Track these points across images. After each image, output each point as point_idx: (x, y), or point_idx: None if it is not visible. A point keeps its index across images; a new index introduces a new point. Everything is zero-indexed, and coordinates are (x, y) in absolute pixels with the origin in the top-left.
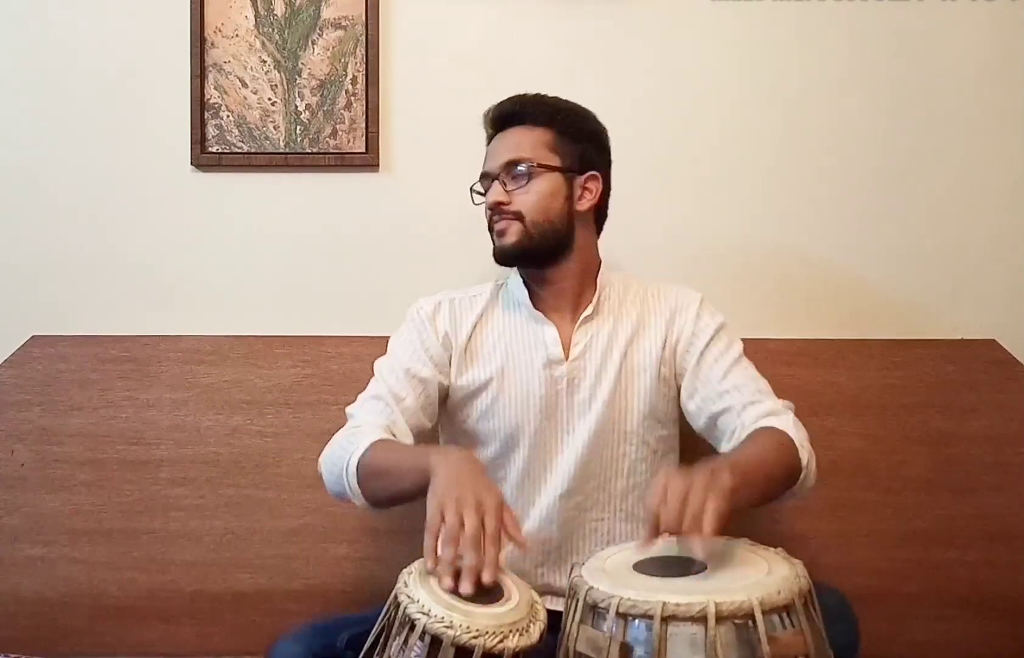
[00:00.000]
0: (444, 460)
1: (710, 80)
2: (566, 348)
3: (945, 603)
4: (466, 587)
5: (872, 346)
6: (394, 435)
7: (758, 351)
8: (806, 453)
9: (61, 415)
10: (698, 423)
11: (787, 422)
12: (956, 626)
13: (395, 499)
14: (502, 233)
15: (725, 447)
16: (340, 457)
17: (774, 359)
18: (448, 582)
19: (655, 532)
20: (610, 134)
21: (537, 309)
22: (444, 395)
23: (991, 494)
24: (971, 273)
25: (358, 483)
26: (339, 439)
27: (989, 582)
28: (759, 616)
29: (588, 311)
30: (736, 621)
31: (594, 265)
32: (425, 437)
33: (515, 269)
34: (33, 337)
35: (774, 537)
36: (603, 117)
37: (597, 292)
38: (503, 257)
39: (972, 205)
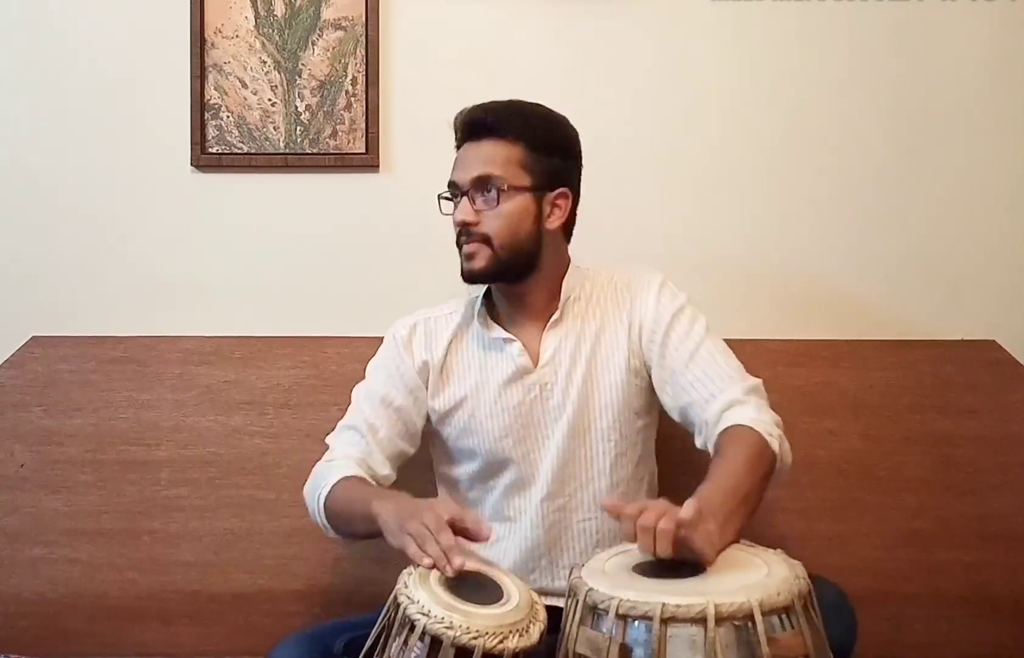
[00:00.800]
0: (384, 503)
1: (710, 80)
2: (535, 357)
3: (945, 603)
4: (458, 562)
5: (872, 346)
6: (370, 467)
7: (758, 351)
8: (776, 440)
9: (61, 415)
10: (673, 415)
11: (750, 413)
12: (956, 626)
13: (356, 538)
14: (470, 256)
15: (697, 441)
16: (313, 491)
17: (774, 359)
18: (452, 568)
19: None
20: (610, 135)
21: (504, 323)
22: (427, 419)
23: (991, 494)
24: (971, 273)
25: (327, 519)
26: (316, 472)
27: (989, 582)
28: (758, 617)
29: (555, 316)
30: (735, 622)
31: (562, 272)
32: (410, 462)
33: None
34: (33, 337)
35: (774, 537)
36: (603, 117)
37: (562, 297)
38: (470, 278)
39: (972, 206)
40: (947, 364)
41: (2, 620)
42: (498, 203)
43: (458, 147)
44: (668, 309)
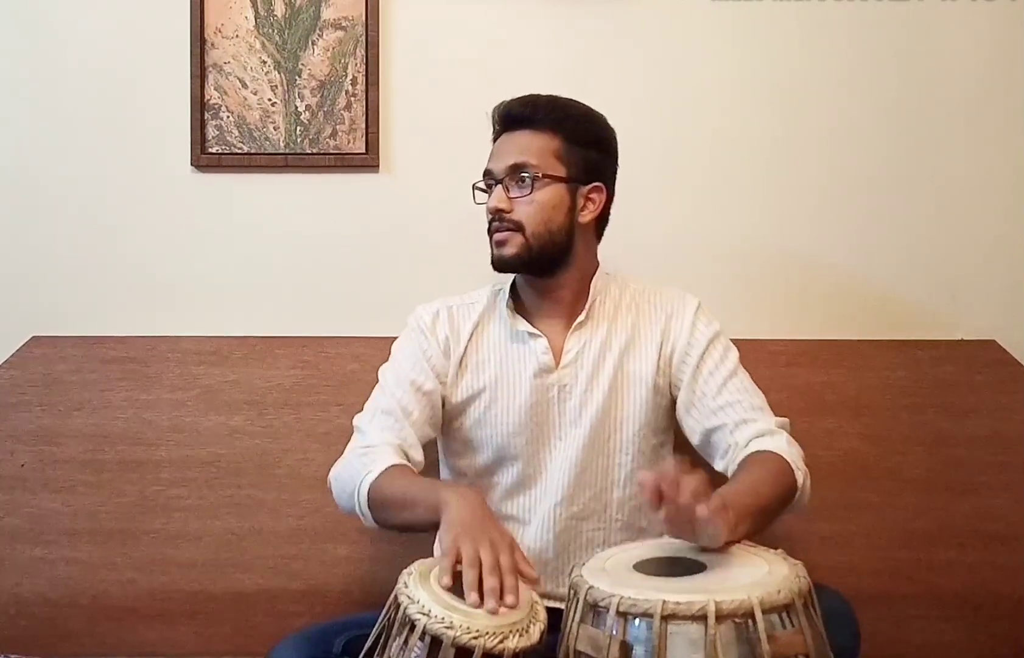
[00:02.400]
0: (456, 498)
1: (710, 80)
2: (557, 356)
3: (945, 603)
4: (491, 605)
5: (872, 346)
6: (406, 453)
7: (758, 351)
8: (801, 474)
9: (61, 415)
10: (693, 438)
11: (781, 443)
12: (956, 626)
13: (405, 528)
14: (502, 243)
15: (719, 464)
16: (352, 478)
17: (774, 359)
18: (475, 598)
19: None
20: None
21: (530, 317)
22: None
23: (991, 494)
24: (971, 273)
25: (369, 507)
26: (351, 458)
27: (989, 582)
28: (759, 615)
29: (580, 318)
30: (736, 620)
31: (591, 271)
32: (429, 446)
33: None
34: (33, 337)
35: (774, 537)
36: None
37: (590, 299)
38: (500, 266)
39: (972, 205)
40: (947, 364)
41: (2, 620)
42: (532, 191)
43: (495, 139)
44: (704, 334)
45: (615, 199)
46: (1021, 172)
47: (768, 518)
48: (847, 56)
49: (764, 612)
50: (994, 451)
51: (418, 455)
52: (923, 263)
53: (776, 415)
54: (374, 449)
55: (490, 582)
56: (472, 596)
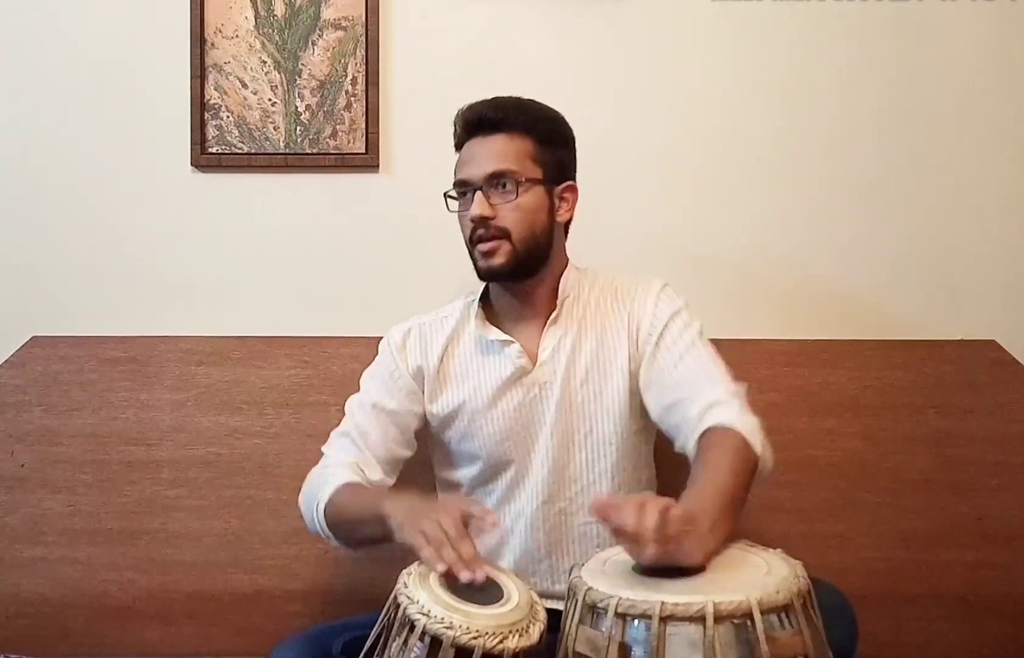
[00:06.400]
0: (395, 502)
1: (710, 80)
2: (533, 356)
3: (945, 603)
4: (480, 575)
5: (872, 346)
6: (363, 471)
7: (758, 351)
8: (759, 442)
9: (61, 415)
10: (654, 415)
11: (731, 414)
12: (956, 626)
13: (362, 544)
14: (490, 253)
15: (677, 444)
16: (311, 501)
17: (774, 359)
18: (467, 575)
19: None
20: (609, 135)
21: (502, 322)
22: (424, 422)
23: (991, 494)
24: (971, 273)
25: (328, 528)
26: (311, 480)
27: (989, 582)
28: (757, 616)
29: (554, 315)
30: (735, 621)
31: (563, 268)
32: (410, 462)
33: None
34: (33, 337)
35: (774, 537)
36: (603, 117)
37: (561, 295)
38: (490, 276)
39: (972, 206)
40: (947, 364)
41: (2, 620)
42: (516, 196)
43: (459, 145)
44: (665, 311)
45: (615, 196)
46: (1021, 172)
47: (740, 504)
48: (846, 56)
49: (763, 613)
50: (994, 451)
51: (375, 475)
52: (923, 263)
53: (777, 416)
54: (329, 469)
55: (465, 550)
56: (465, 574)
